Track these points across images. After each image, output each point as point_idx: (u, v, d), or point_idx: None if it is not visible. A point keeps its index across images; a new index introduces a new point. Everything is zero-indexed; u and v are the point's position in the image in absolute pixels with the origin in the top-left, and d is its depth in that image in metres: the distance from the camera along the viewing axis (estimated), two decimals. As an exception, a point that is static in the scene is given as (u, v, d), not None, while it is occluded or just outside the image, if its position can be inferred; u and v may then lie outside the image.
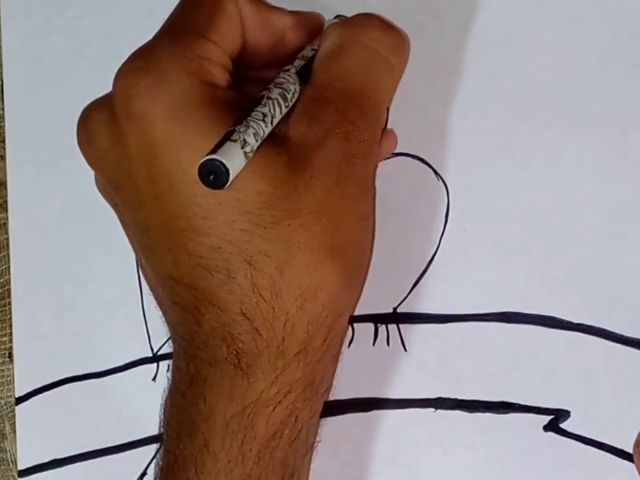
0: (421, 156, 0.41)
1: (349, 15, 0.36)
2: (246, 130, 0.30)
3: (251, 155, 0.30)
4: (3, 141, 0.44)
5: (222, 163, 0.29)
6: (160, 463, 0.34)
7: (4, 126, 0.44)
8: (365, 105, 0.33)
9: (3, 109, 0.44)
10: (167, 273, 0.33)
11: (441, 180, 0.41)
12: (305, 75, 0.34)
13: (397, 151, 0.39)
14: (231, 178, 0.29)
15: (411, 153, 0.41)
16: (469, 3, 0.41)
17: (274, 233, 0.31)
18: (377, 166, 0.36)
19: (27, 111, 0.43)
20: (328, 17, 0.37)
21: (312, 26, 0.36)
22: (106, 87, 0.33)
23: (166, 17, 0.35)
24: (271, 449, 0.32)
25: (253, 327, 0.32)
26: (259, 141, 0.30)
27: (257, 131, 0.30)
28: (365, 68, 0.34)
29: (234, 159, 0.29)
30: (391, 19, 0.35)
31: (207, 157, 0.29)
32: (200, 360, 0.32)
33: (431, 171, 0.41)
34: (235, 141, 0.30)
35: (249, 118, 0.31)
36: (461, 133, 0.41)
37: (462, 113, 0.41)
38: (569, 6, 0.41)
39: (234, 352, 0.32)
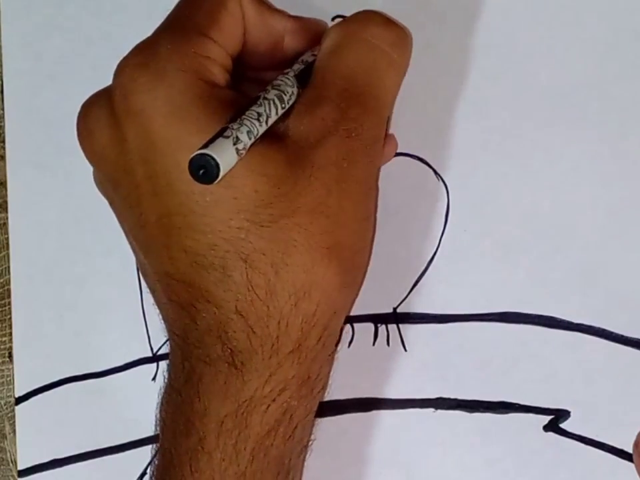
0: (421, 156, 0.41)
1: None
2: (239, 127, 0.30)
3: (243, 152, 0.30)
4: (3, 141, 0.44)
5: (212, 157, 0.29)
6: (156, 461, 0.34)
7: (4, 126, 0.44)
8: (368, 102, 0.33)
9: (3, 109, 0.44)
10: (164, 270, 0.33)
11: (440, 180, 0.41)
12: (303, 80, 0.34)
13: (397, 150, 0.39)
14: (222, 173, 0.29)
15: (411, 153, 0.41)
16: (470, 2, 0.41)
17: (270, 231, 0.31)
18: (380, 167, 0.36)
19: (27, 111, 0.43)
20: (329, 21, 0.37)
21: (313, 32, 0.36)
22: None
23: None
24: (265, 447, 0.32)
25: (248, 325, 0.32)
26: (252, 139, 0.30)
27: (250, 129, 0.30)
28: (366, 64, 0.33)
29: (225, 155, 0.29)
30: (391, 18, 0.35)
31: (198, 152, 0.29)
32: (195, 358, 0.32)
33: (430, 171, 0.41)
34: (228, 137, 0.29)
35: (243, 116, 0.30)
36: (461, 132, 0.41)
37: (462, 112, 0.41)
38: (569, 6, 0.41)
39: (228, 350, 0.32)
